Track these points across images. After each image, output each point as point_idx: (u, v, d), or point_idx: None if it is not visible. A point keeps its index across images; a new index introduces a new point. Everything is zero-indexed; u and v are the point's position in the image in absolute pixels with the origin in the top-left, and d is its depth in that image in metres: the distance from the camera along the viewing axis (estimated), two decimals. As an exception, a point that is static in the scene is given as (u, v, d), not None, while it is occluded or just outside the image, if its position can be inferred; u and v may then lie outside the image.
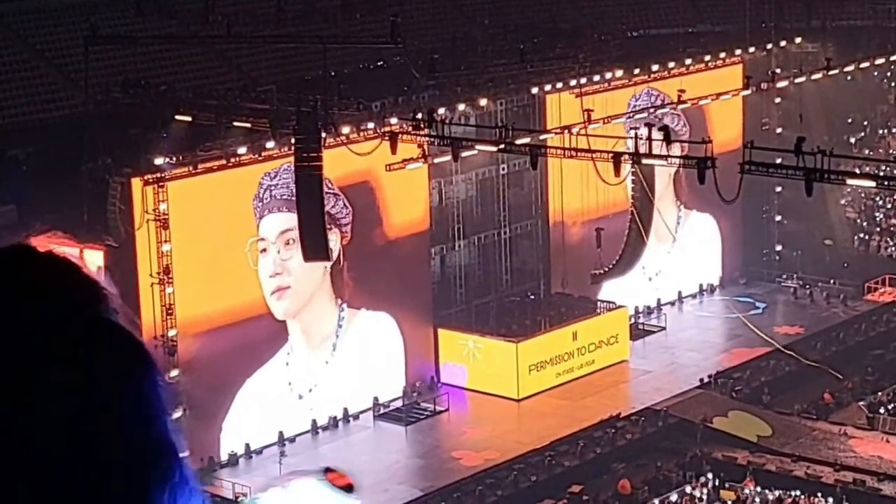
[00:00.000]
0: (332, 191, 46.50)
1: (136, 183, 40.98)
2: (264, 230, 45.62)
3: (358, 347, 48.22)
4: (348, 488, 3.03)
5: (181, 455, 1.87)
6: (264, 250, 45.84)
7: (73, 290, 1.85)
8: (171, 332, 41.45)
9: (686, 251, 57.20)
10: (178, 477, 1.85)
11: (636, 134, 43.34)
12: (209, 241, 42.92)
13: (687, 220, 58.76)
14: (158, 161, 41.09)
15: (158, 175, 41.13)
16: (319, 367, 47.25)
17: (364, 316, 48.77)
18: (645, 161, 44.04)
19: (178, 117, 42.22)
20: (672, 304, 56.60)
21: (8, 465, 1.71)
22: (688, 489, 41.39)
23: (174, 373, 41.50)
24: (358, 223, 48.05)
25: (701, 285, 58.05)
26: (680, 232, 58.28)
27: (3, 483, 1.70)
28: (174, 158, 41.45)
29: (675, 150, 43.44)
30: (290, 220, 44.02)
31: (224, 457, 42.99)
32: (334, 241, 48.82)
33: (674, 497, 40.91)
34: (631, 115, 51.03)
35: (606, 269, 50.84)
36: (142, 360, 1.85)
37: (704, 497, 40.93)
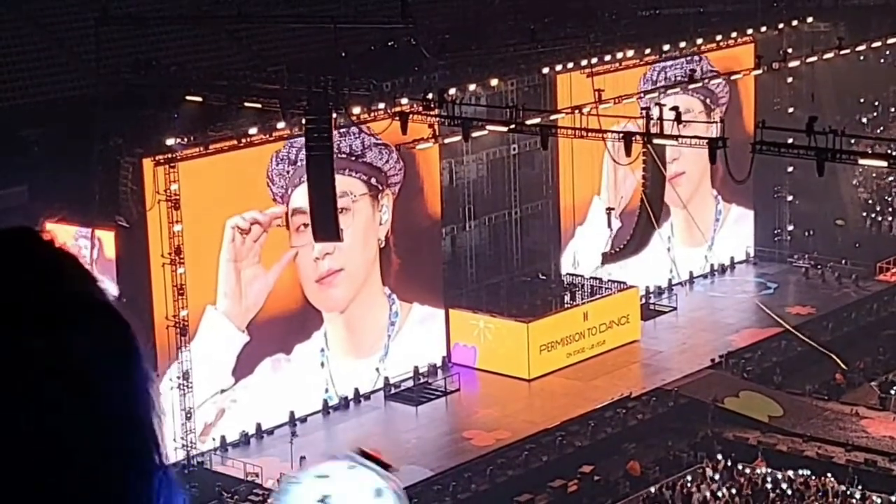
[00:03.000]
0: (379, 142, 46.08)
1: (148, 163, 40.99)
2: (300, 199, 44.81)
3: (411, 351, 47.91)
4: (386, 466, 3.02)
5: (165, 452, 1.83)
6: (299, 227, 44.68)
7: (66, 272, 1.84)
8: (183, 313, 41.48)
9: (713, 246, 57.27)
10: (161, 473, 1.83)
11: (647, 114, 43.30)
12: (220, 221, 42.89)
13: (727, 215, 58.71)
14: (170, 142, 41.10)
15: (170, 156, 41.14)
16: (366, 373, 47.06)
17: (420, 313, 48.48)
18: (657, 141, 44.01)
19: (188, 98, 42.19)
20: (683, 284, 56.53)
21: None
22: (699, 469, 41.34)
23: (186, 353, 41.57)
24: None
25: (712, 265, 57.99)
26: (718, 232, 58.29)
27: None
28: (185, 139, 41.45)
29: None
30: (342, 181, 43.43)
31: (235, 437, 43.02)
32: (386, 204, 48.43)
33: (687, 478, 40.88)
34: (645, 93, 50.95)
35: (617, 250, 50.83)
36: (131, 347, 1.83)
37: (717, 477, 40.89)
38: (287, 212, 44.50)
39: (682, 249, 56.61)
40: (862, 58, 56.81)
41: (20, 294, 1.76)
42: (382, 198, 47.78)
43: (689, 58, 54.60)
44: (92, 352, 1.78)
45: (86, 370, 1.76)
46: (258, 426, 43.64)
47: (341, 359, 46.45)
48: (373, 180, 47.15)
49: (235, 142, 42.66)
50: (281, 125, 42.80)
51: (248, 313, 44.09)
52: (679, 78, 53.33)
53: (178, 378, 41.19)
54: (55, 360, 1.74)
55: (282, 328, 44.70)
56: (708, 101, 55.84)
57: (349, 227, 45.14)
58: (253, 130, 42.64)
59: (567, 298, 50.98)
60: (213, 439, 42.26)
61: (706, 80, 54.44)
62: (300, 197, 44.13)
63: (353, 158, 46.17)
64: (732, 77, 55.70)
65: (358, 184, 46.61)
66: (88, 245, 41.51)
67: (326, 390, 45.95)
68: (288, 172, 44.28)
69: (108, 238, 41.57)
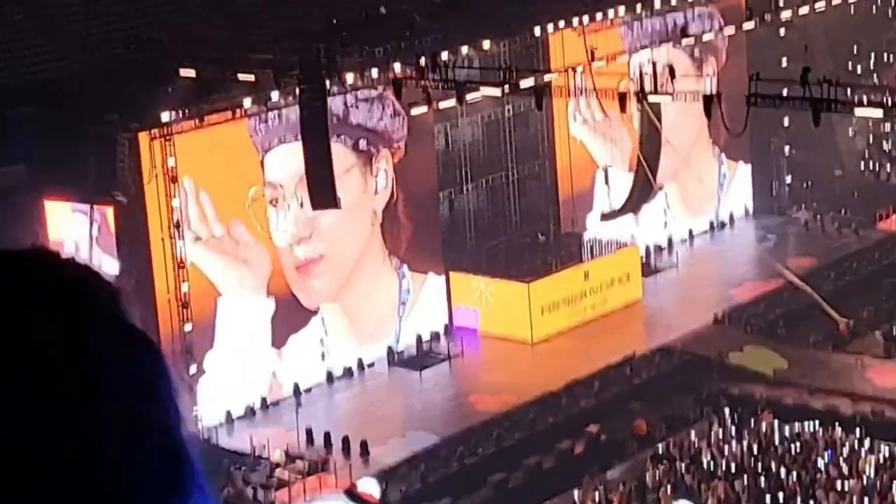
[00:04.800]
0: (370, 97, 44.87)
1: (144, 138, 40.85)
2: (273, 172, 44.02)
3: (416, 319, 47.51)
4: None
5: (195, 463, 1.80)
6: (275, 201, 44.58)
7: (89, 288, 1.80)
8: (184, 287, 41.41)
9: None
10: (194, 486, 1.79)
11: (641, 71, 43.16)
12: (219, 194, 42.74)
13: (732, 175, 58.60)
14: (164, 116, 40.93)
15: (165, 130, 40.99)
16: (376, 353, 46.67)
17: (435, 283, 48.06)
18: (651, 98, 43.90)
19: (182, 71, 41.97)
20: (683, 241, 56.45)
21: (10, 472, 1.66)
22: (705, 425, 41.38)
23: (188, 327, 41.53)
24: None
25: (711, 221, 57.91)
26: (725, 196, 58.25)
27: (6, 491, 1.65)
28: (180, 113, 41.28)
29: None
30: None
31: (241, 410, 42.99)
32: (384, 168, 47.12)
33: (693, 434, 40.93)
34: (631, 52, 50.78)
35: (616, 210, 50.76)
36: (159, 367, 1.81)
37: (724, 432, 40.92)
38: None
39: (683, 221, 56.51)
40: (853, 8, 56.57)
41: (47, 320, 1.73)
42: (378, 161, 46.97)
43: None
44: (121, 374, 1.75)
45: (115, 393, 1.73)
46: (263, 399, 43.60)
47: (345, 346, 46.08)
48: (362, 143, 46.23)
49: (231, 114, 42.49)
50: (275, 95, 42.60)
51: (264, 279, 43.72)
52: (659, 31, 53.10)
53: (181, 352, 41.12)
54: (85, 385, 1.71)
55: (276, 318, 44.21)
56: (698, 52, 55.59)
57: None
58: (247, 102, 42.46)
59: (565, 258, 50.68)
60: (219, 414, 42.21)
61: (698, 39, 54.21)
62: (273, 166, 43.61)
63: (336, 121, 44.76)
64: (724, 32, 55.52)
65: (341, 150, 45.13)
66: (87, 222, 41.41)
67: (323, 356, 45.64)
68: (261, 131, 43.63)
69: (108, 214, 41.46)
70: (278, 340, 44.27)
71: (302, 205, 43.66)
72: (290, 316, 44.51)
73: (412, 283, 48.12)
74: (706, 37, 54.98)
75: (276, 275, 44.31)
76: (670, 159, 53.55)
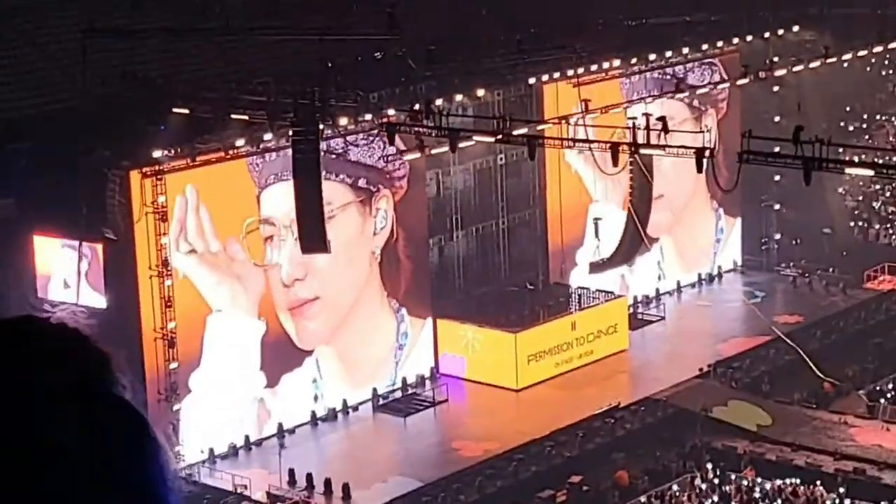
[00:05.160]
0: (372, 137, 44.67)
1: (135, 176, 40.96)
2: (269, 209, 44.04)
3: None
4: None
5: None
6: (270, 239, 44.56)
7: (82, 362, 1.85)
8: (171, 325, 41.42)
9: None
10: None
11: (634, 124, 43.30)
12: (218, 213, 42.75)
13: (730, 231, 58.82)
14: (157, 154, 41.06)
15: (157, 168, 41.11)
16: (366, 403, 46.50)
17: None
18: (643, 151, 44.00)
19: (175, 110, 42.15)
20: (671, 293, 56.62)
21: None
22: (688, 479, 41.34)
23: (174, 365, 41.50)
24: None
25: (700, 274, 58.07)
26: (721, 252, 58.45)
27: None
28: (172, 151, 41.41)
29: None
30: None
31: (224, 448, 42.91)
32: (383, 208, 46.71)
33: (675, 487, 40.89)
34: (630, 102, 51.02)
35: (605, 260, 50.87)
36: (148, 437, 1.87)
37: (706, 487, 40.89)
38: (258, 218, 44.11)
39: (678, 275, 56.76)
40: (848, 66, 56.92)
41: (42, 386, 1.80)
42: (377, 201, 46.90)
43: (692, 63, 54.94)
44: (113, 445, 1.81)
45: (107, 461, 1.80)
46: (246, 438, 43.52)
47: (339, 390, 45.97)
48: (361, 182, 46.27)
49: (223, 153, 42.63)
50: (268, 137, 42.77)
51: (255, 299, 43.66)
52: (658, 82, 53.44)
53: (166, 390, 41.10)
54: (77, 451, 1.78)
55: (265, 355, 44.19)
56: (697, 103, 55.95)
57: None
58: (240, 142, 42.62)
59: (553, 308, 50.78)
60: (202, 451, 42.12)
61: (692, 91, 54.52)
62: (269, 203, 43.67)
63: (335, 157, 44.88)
64: (719, 86, 55.89)
65: (340, 189, 45.37)
66: (76, 257, 41.46)
67: (315, 398, 45.64)
68: (258, 166, 43.70)
69: (97, 250, 41.51)
70: (272, 379, 44.18)
71: (297, 241, 43.63)
72: (283, 355, 44.45)
73: (410, 328, 48.06)
74: (703, 90, 55.30)
75: (270, 307, 44.23)
76: (665, 213, 53.74)
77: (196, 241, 42.24)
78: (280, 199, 43.19)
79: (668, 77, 54.13)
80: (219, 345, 42.59)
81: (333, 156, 44.76)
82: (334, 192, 44.96)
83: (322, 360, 45.66)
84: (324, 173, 43.61)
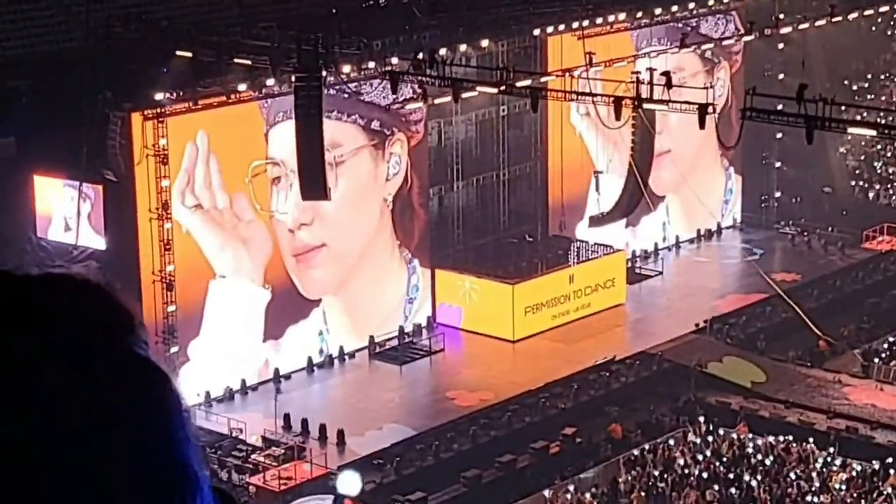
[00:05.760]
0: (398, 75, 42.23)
1: (136, 118, 40.90)
2: (277, 147, 43.27)
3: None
4: None
5: (207, 489, 1.89)
6: (277, 180, 44.05)
7: (104, 320, 1.87)
8: (170, 268, 41.49)
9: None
10: None
11: (638, 78, 43.22)
12: (227, 161, 42.63)
13: (738, 189, 58.69)
14: (158, 96, 41.00)
15: (158, 110, 41.06)
16: (363, 351, 46.28)
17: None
18: (647, 105, 43.95)
19: (178, 53, 42.05)
20: (669, 248, 56.70)
21: (18, 495, 1.72)
22: (680, 433, 41.54)
23: (171, 308, 41.61)
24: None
25: (699, 230, 58.10)
26: (729, 207, 58.37)
27: None
28: (174, 94, 41.34)
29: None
30: (325, 127, 40.15)
31: (220, 391, 43.08)
32: (399, 151, 45.74)
33: (669, 442, 41.08)
34: (635, 57, 50.89)
35: (604, 214, 50.91)
36: (170, 393, 1.88)
37: (699, 441, 41.10)
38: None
39: (683, 234, 56.91)
40: (853, 26, 56.75)
41: (68, 345, 1.81)
42: (391, 145, 46.41)
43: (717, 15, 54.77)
44: (135, 403, 1.83)
45: (129, 420, 1.81)
46: (243, 382, 43.68)
47: (346, 343, 45.97)
48: (375, 124, 45.71)
49: (225, 98, 42.54)
50: (271, 82, 42.67)
51: (261, 266, 43.55)
52: (673, 32, 53.31)
53: (164, 333, 41.23)
54: (100, 411, 1.79)
55: (272, 306, 44.07)
56: (710, 55, 55.84)
57: (334, 191, 42.98)
58: (242, 87, 42.54)
59: (552, 260, 50.89)
60: (198, 394, 42.28)
61: (696, 47, 54.38)
62: (277, 142, 43.12)
63: (347, 96, 44.14)
64: (721, 45, 55.77)
65: (352, 131, 44.86)
66: (77, 198, 41.49)
67: (321, 352, 45.59)
68: (267, 103, 43.27)
69: (98, 192, 41.53)
70: (276, 331, 44.21)
71: None
72: (289, 306, 44.40)
73: (422, 280, 48.01)
74: (708, 45, 55.15)
75: (276, 261, 44.18)
76: (673, 171, 53.70)
77: (203, 193, 42.06)
78: (288, 138, 41.97)
79: (682, 27, 53.85)
80: (221, 311, 42.52)
81: (346, 95, 44.16)
82: (346, 134, 44.59)
83: (329, 311, 45.60)
84: (335, 113, 43.38)
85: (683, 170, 54.65)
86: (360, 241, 46.07)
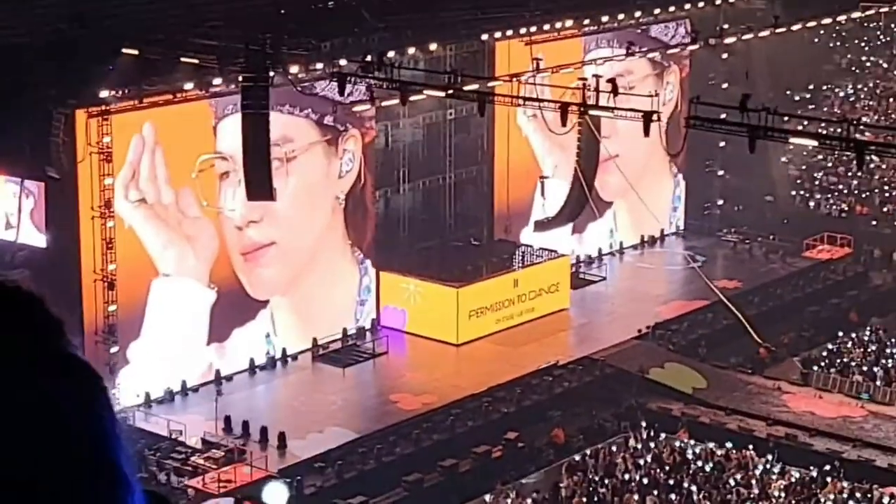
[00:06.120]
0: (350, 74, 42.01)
1: (81, 115, 40.57)
2: (226, 141, 42.54)
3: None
4: None
5: (138, 491, 1.91)
6: (225, 175, 43.38)
7: (36, 324, 1.92)
8: (111, 267, 41.18)
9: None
10: None
11: (584, 85, 43.41)
12: (173, 155, 42.30)
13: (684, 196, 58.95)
14: (103, 94, 40.69)
15: (103, 108, 40.76)
16: (305, 353, 46.03)
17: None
18: (592, 112, 44.15)
19: (124, 51, 41.74)
20: (613, 254, 56.98)
21: None
22: (622, 439, 41.72)
23: (112, 308, 41.29)
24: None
25: (643, 236, 58.40)
26: (676, 213, 58.60)
27: None
28: (120, 92, 41.05)
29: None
30: (276, 122, 40.14)
31: (160, 392, 42.78)
32: (352, 148, 45.01)
33: (611, 447, 41.25)
34: (583, 63, 51.12)
35: (549, 219, 51.08)
36: (101, 392, 1.92)
37: (640, 447, 41.31)
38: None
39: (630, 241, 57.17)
40: (797, 37, 57.26)
41: (6, 349, 1.86)
42: (345, 141, 46.27)
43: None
44: (69, 401, 1.86)
45: (63, 417, 1.85)
46: (183, 383, 43.39)
47: (294, 344, 45.82)
48: (328, 119, 45.43)
49: (171, 96, 42.29)
50: (217, 81, 42.47)
51: (207, 264, 43.22)
52: (625, 36, 53.56)
53: (104, 332, 40.91)
54: (38, 411, 1.82)
55: (217, 307, 43.72)
56: (660, 58, 56.10)
57: (284, 188, 42.79)
58: (189, 86, 42.30)
59: (497, 264, 50.96)
60: (137, 395, 41.95)
61: (643, 54, 54.65)
62: (225, 136, 42.65)
63: (298, 90, 43.66)
64: (669, 52, 56.09)
65: (304, 126, 44.46)
66: (18, 194, 41.09)
67: (267, 335, 45.30)
68: (213, 102, 43.13)
69: (40, 189, 41.15)
70: (221, 333, 43.94)
71: None
72: (235, 307, 44.07)
73: (373, 282, 47.83)
74: (650, 55, 55.45)
75: (223, 260, 43.88)
76: (620, 176, 53.88)
77: (148, 187, 41.70)
78: (237, 132, 41.28)
79: (630, 31, 54.01)
80: (164, 312, 42.17)
81: (298, 89, 43.92)
82: (298, 129, 44.27)
83: (277, 312, 45.37)
84: (287, 107, 43.09)
85: (632, 175, 54.87)
86: (311, 239, 45.82)
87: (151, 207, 41.87)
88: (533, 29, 50.00)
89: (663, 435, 41.90)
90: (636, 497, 38.59)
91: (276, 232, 44.66)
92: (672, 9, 55.76)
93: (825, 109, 64.66)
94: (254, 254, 44.32)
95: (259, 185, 41.34)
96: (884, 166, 61.14)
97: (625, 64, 51.57)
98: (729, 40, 53.73)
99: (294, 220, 45.03)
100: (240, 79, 40.95)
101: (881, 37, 67.24)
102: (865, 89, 66.51)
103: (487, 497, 38.32)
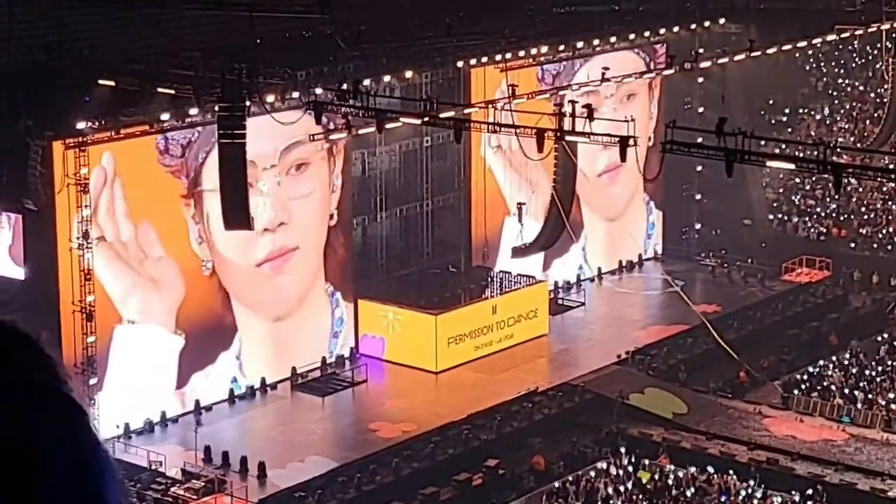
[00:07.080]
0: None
1: (58, 146, 40.47)
2: (256, 148, 41.33)
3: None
4: None
5: None
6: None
7: (31, 362, 1.94)
8: (90, 298, 41.02)
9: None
10: None
11: (560, 110, 43.43)
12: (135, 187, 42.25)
13: (659, 223, 59.00)
14: (80, 125, 40.62)
15: (80, 139, 40.68)
16: (284, 382, 46.17)
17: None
18: (569, 138, 44.18)
19: (101, 82, 41.70)
20: (591, 279, 57.02)
21: None
22: (603, 465, 41.65)
23: (91, 339, 41.13)
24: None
25: (621, 262, 58.48)
26: (651, 242, 58.73)
27: None
28: (97, 123, 40.99)
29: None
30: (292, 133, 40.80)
31: (139, 423, 42.60)
32: (340, 164, 44.66)
33: (591, 473, 41.18)
34: (559, 89, 51.20)
35: (526, 245, 51.07)
36: (85, 425, 1.95)
37: (621, 473, 41.24)
38: (198, 189, 43.57)
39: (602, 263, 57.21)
40: (772, 60, 57.49)
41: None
42: (337, 153, 46.42)
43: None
44: (53, 436, 1.88)
45: (46, 453, 1.86)
46: (163, 414, 43.24)
47: (268, 373, 45.77)
48: (328, 123, 45.11)
49: (147, 127, 42.26)
50: (194, 111, 42.45)
51: (173, 309, 43.21)
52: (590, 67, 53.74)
53: (83, 364, 40.73)
54: (21, 446, 1.84)
55: (185, 352, 43.74)
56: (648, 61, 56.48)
57: (308, 183, 42.77)
58: (165, 116, 42.27)
59: (475, 291, 50.96)
60: (117, 426, 41.76)
61: (617, 81, 54.76)
62: (213, 175, 43.06)
63: (275, 118, 43.14)
64: (645, 76, 56.24)
65: (311, 122, 43.74)
66: (-4, 227, 40.95)
67: (234, 379, 45.53)
68: (182, 140, 43.00)
69: (18, 221, 41.01)
70: (188, 378, 43.88)
71: (279, 181, 43.56)
72: (202, 351, 43.96)
73: (346, 314, 47.80)
74: (626, 81, 55.58)
75: (189, 303, 43.68)
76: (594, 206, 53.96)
77: (106, 223, 41.49)
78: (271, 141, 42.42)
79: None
80: (130, 359, 41.90)
81: (273, 117, 43.35)
82: (303, 123, 43.19)
83: (248, 345, 45.31)
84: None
85: (608, 201, 55.07)
86: (316, 252, 46.04)
87: (111, 247, 41.69)
88: (508, 56, 50.11)
89: (645, 461, 41.81)
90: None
91: (299, 237, 45.05)
92: (647, 33, 56.00)
93: (802, 132, 64.89)
94: (278, 260, 44.54)
95: (237, 214, 41.23)
96: (861, 189, 61.35)
97: (601, 88, 51.66)
98: (704, 64, 53.90)
99: (312, 225, 45.25)
100: (216, 108, 40.91)
101: (857, 59, 67.53)
102: (842, 111, 66.78)
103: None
